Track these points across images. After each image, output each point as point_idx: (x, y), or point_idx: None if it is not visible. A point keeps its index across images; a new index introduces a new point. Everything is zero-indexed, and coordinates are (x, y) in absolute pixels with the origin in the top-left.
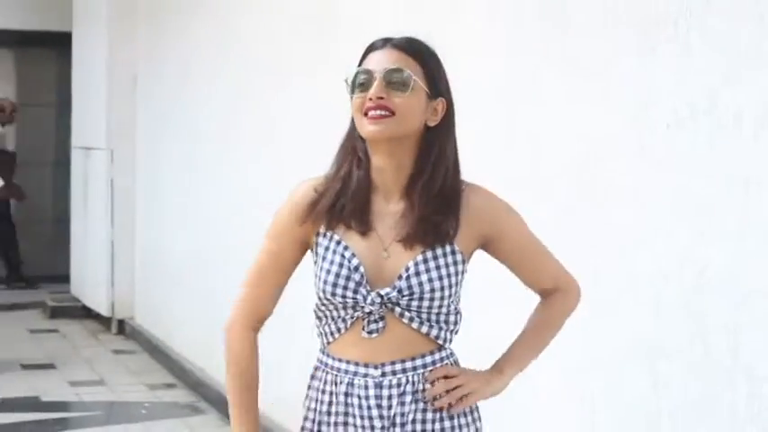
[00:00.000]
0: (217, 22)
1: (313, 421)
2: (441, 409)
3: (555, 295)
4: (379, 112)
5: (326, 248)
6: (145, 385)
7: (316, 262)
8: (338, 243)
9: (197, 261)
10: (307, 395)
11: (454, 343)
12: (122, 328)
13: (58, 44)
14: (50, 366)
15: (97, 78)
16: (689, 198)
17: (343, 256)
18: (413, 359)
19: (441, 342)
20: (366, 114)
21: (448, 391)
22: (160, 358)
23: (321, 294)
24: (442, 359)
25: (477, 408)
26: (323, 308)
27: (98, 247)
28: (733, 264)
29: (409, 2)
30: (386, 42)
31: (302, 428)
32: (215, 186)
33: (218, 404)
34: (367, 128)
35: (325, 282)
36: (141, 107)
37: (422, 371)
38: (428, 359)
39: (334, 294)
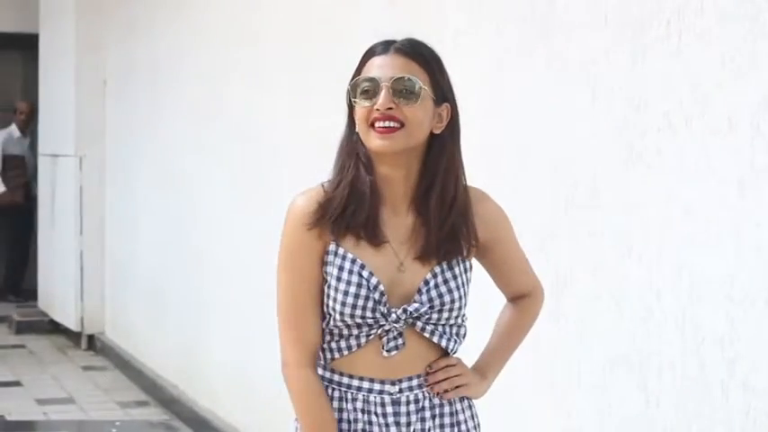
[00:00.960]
0: (190, 23)
1: None
2: (438, 394)
3: (525, 299)
4: (388, 123)
5: (341, 268)
6: (116, 403)
7: (327, 281)
8: (353, 261)
9: (172, 274)
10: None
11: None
12: (92, 343)
13: (23, 46)
14: (16, 384)
15: (65, 82)
16: (680, 204)
17: (360, 275)
18: (428, 373)
19: (449, 351)
20: (372, 125)
21: (447, 378)
22: (132, 375)
23: (337, 316)
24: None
25: (479, 424)
26: (333, 326)
27: (66, 258)
28: (727, 272)
29: (393, 4)
30: (388, 46)
31: None
32: (191, 195)
33: (193, 422)
34: (375, 141)
35: (343, 303)
36: (111, 112)
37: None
38: None
39: (352, 316)
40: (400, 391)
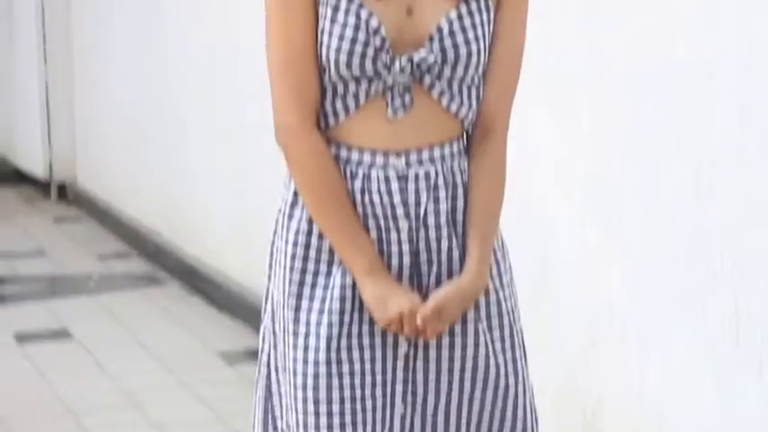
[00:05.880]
0: None
1: (309, 222)
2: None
3: (487, 142)
4: None
5: (335, 8)
6: (93, 255)
7: (321, 26)
8: (350, 0)
9: (151, 104)
10: (290, 200)
11: None
12: (64, 192)
13: None
14: None
15: None
16: None
17: (358, 16)
18: (442, 146)
19: (465, 125)
20: None
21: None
22: (110, 225)
23: (332, 67)
24: (460, 150)
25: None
26: (329, 82)
27: (29, 93)
28: None
29: None
30: None
31: (286, 241)
32: (174, 15)
33: (180, 272)
34: None
35: (338, 50)
36: None
37: (449, 162)
38: (455, 147)
39: (349, 65)
40: (407, 164)
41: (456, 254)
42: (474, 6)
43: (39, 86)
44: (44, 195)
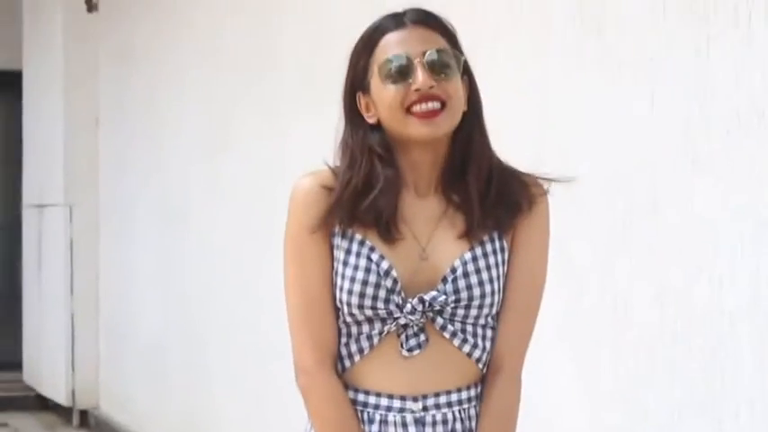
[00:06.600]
0: (194, 46)
1: None
2: None
3: (496, 383)
4: (430, 105)
5: (348, 251)
6: None
7: (335, 269)
8: (361, 243)
9: (174, 336)
10: None
11: None
12: (85, 419)
13: (5, 85)
14: None
15: (52, 123)
16: (752, 217)
17: (369, 258)
18: (459, 390)
19: (480, 367)
20: (409, 110)
21: None
22: None
23: (345, 308)
24: (477, 395)
25: None
26: (343, 323)
27: (56, 322)
28: None
29: None
30: (401, 19)
31: None
32: (196, 247)
33: None
34: (418, 129)
35: (350, 292)
36: (105, 153)
37: (467, 405)
38: (472, 392)
39: (361, 306)
40: (425, 409)
41: None
42: (489, 248)
43: (65, 318)
44: (66, 422)
